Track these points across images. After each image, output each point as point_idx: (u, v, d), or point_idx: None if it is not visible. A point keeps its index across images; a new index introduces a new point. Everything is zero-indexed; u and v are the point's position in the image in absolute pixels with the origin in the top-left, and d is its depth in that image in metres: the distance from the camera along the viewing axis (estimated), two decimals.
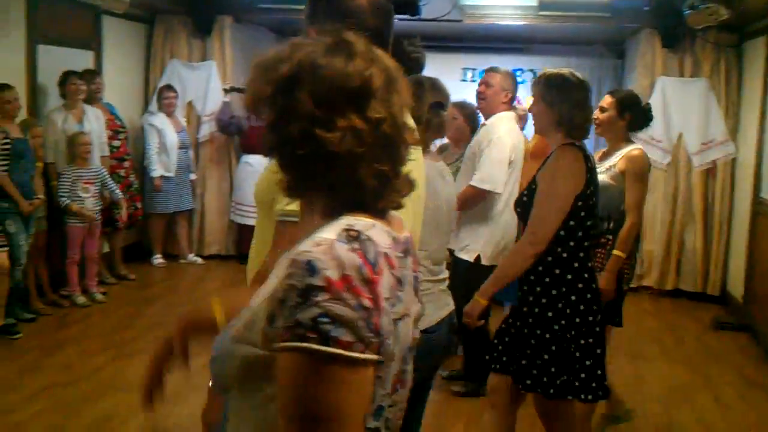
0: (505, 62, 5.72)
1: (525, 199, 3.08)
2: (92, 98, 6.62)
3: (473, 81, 8.22)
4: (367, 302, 1.04)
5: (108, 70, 7.25)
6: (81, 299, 6.30)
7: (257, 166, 7.11)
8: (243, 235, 7.72)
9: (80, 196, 6.16)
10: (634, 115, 3.97)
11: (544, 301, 2.98)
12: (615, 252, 3.73)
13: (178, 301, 6.58)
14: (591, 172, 3.01)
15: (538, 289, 3.00)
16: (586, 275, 3.00)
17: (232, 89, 7.78)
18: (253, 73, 1.20)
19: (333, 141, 1.11)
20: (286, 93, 1.14)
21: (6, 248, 5.36)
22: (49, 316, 5.96)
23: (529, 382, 3.00)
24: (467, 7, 7.13)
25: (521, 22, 7.55)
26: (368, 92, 1.14)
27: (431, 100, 2.73)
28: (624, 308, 3.92)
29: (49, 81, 6.35)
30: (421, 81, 2.76)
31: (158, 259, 7.80)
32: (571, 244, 2.97)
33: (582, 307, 2.97)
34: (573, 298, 2.96)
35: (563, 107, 3.01)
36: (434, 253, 2.72)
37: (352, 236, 1.09)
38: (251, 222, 6.91)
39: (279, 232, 1.75)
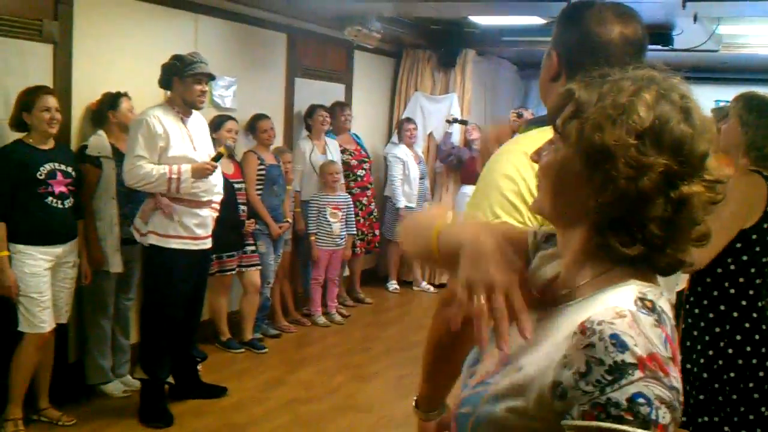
0: None
1: None
2: (340, 129, 6.93)
3: None
4: (675, 381, 0.96)
5: (356, 102, 7.59)
6: (322, 319, 6.59)
7: None
8: None
9: (328, 221, 6.45)
10: None
11: (707, 338, 2.74)
12: None
13: (411, 327, 6.67)
14: None
15: (702, 324, 2.77)
16: (755, 315, 2.72)
17: (455, 120, 7.91)
18: (595, 114, 1.05)
19: (689, 201, 1.02)
20: (645, 144, 1.02)
21: (258, 267, 5.74)
22: (291, 333, 6.27)
23: (684, 419, 2.73)
24: (725, 37, 6.70)
25: None
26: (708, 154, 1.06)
27: None
28: None
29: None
30: None
31: (393, 285, 8.00)
32: (741, 280, 2.72)
33: (748, 349, 2.69)
34: (738, 337, 2.70)
35: (757, 133, 2.77)
36: None
37: (649, 307, 1.00)
38: None
39: None
